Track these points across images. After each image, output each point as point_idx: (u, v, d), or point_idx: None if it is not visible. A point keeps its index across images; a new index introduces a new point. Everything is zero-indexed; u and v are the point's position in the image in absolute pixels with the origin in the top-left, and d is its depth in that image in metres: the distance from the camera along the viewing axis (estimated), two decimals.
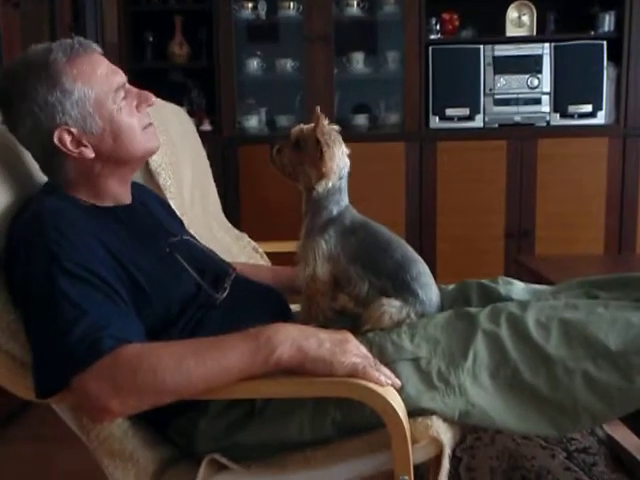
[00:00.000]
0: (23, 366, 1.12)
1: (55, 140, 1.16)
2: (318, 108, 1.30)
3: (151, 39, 3.59)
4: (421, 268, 1.32)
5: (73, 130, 1.17)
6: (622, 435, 1.96)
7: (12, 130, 1.22)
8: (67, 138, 1.17)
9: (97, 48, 1.23)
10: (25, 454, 2.17)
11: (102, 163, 1.22)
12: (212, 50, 3.45)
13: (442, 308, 1.34)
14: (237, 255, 2.10)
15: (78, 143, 1.18)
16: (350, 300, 1.35)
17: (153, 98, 1.28)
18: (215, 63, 3.44)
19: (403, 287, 1.29)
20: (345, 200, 1.35)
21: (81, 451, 1.27)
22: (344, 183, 1.34)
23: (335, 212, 1.33)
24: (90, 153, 1.19)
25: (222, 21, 3.40)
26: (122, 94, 1.22)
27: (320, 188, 1.31)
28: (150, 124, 1.28)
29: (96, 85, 1.18)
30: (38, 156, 1.24)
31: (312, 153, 1.30)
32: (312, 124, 1.31)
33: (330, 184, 1.31)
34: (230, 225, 2.42)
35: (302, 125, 1.34)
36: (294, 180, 1.36)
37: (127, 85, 1.25)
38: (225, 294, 1.28)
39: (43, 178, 1.29)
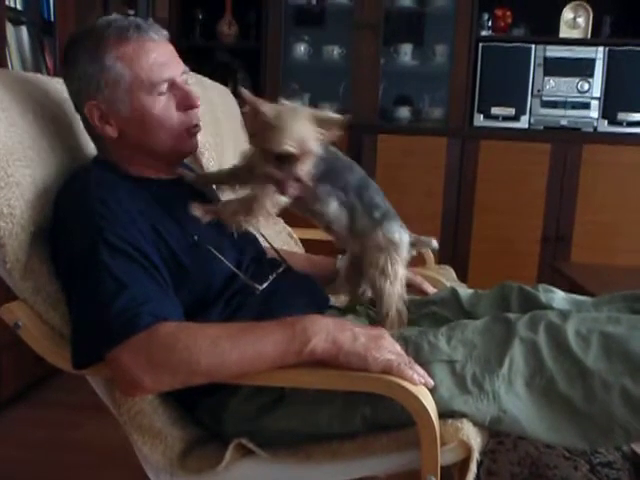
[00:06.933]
0: (62, 336, 1.13)
1: (85, 111, 1.20)
2: None
3: (201, 17, 3.60)
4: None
5: (102, 107, 1.19)
6: None
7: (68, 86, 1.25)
8: (95, 113, 1.20)
9: (155, 35, 1.20)
10: (52, 419, 2.21)
11: (128, 146, 1.22)
12: (260, 32, 3.45)
13: None
14: (272, 240, 2.08)
15: (105, 120, 1.20)
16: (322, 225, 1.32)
17: (199, 102, 1.24)
18: (262, 45, 3.44)
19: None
20: None
21: (106, 421, 1.29)
22: None
23: None
24: (113, 133, 1.20)
25: (272, 3, 3.40)
26: (164, 87, 1.19)
27: None
28: (195, 126, 1.25)
29: (136, 70, 1.17)
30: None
31: None
32: None
33: None
34: None
35: None
36: None
37: (178, 80, 1.22)
38: (267, 283, 1.28)
39: (93, 150, 1.30)
